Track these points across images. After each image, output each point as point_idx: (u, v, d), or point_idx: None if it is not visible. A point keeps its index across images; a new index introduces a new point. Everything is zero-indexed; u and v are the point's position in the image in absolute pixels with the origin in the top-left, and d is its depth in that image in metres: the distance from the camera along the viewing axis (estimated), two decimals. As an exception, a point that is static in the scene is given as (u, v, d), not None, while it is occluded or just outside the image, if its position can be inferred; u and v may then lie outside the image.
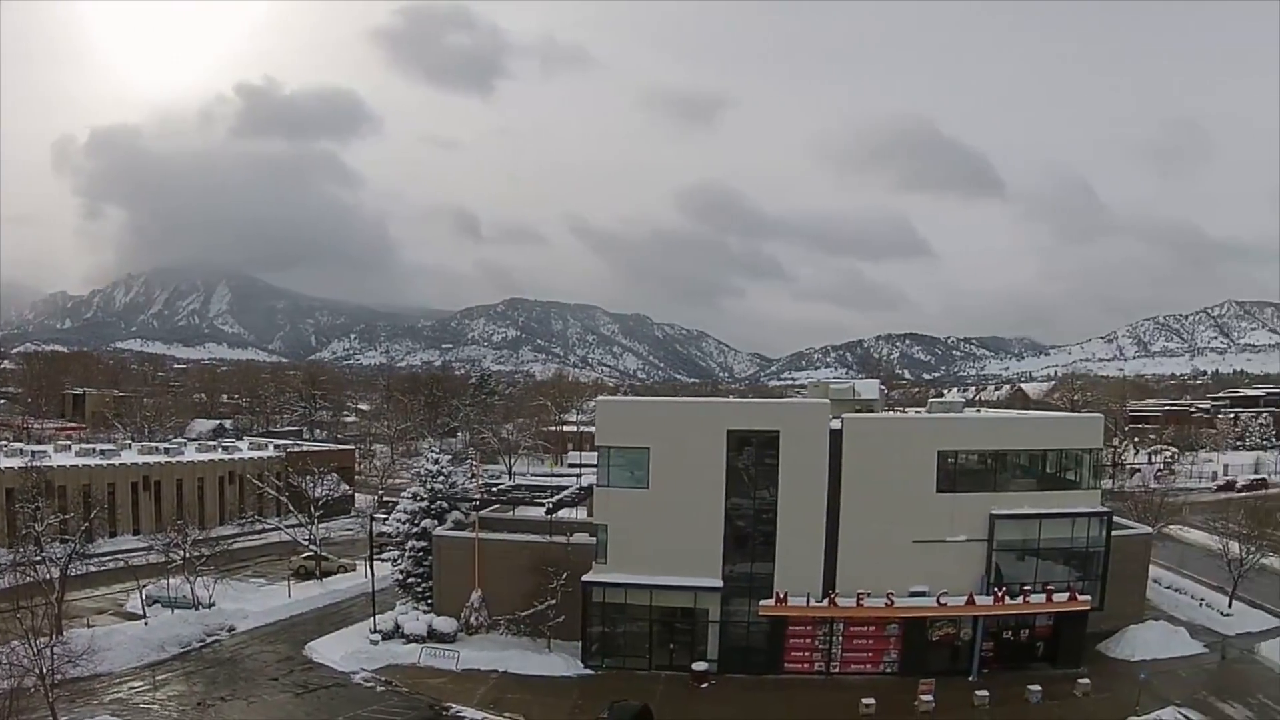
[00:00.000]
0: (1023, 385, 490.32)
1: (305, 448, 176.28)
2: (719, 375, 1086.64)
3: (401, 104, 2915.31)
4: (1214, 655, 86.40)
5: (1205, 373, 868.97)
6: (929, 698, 72.03)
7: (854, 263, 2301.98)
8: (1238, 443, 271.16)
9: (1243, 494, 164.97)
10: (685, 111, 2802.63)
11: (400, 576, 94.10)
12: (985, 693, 73.36)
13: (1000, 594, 79.40)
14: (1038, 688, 73.93)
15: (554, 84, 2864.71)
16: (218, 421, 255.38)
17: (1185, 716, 70.10)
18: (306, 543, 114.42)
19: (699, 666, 78.82)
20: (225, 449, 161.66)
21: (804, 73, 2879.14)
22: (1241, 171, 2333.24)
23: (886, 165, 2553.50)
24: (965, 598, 78.84)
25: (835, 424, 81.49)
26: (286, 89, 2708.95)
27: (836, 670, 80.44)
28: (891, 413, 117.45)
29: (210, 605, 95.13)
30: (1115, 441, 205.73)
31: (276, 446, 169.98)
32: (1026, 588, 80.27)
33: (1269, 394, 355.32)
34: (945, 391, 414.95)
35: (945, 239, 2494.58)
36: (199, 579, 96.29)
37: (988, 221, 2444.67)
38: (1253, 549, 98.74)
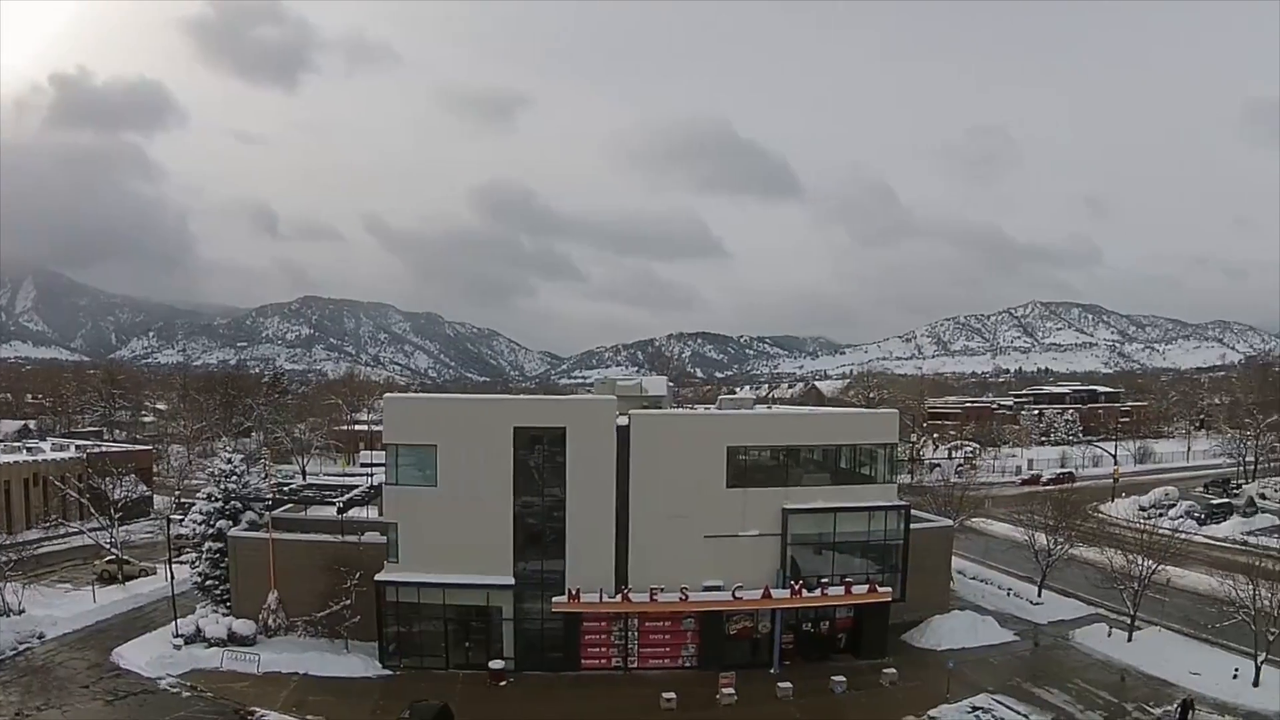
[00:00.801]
0: (817, 383, 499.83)
1: (105, 448, 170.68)
2: (510, 374, 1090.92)
3: (208, 97, 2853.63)
4: (1026, 643, 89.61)
5: (1008, 371, 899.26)
6: (730, 691, 73.26)
7: (647, 263, 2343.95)
8: (1043, 438, 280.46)
9: (1049, 488, 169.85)
10: (485, 110, 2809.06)
11: (199, 579, 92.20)
12: (788, 684, 74.82)
13: (797, 587, 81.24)
14: (842, 678, 75.94)
15: (358, 80, 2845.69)
16: (23, 422, 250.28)
17: (999, 702, 72.42)
18: (108, 546, 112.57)
19: (496, 665, 78.80)
20: (29, 450, 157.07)
21: (603, 74, 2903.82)
22: (1048, 177, 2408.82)
23: (683, 166, 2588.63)
24: (761, 591, 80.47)
25: (623, 421, 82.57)
26: (99, 79, 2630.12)
27: (635, 666, 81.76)
28: (681, 409, 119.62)
29: (20, 612, 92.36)
30: (913, 437, 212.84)
31: (78, 447, 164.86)
32: (824, 581, 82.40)
33: (1075, 391, 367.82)
34: (737, 389, 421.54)
35: (741, 240, 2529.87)
36: (7, 585, 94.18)
37: (785, 223, 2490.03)
38: (1061, 540, 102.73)
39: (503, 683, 78.04)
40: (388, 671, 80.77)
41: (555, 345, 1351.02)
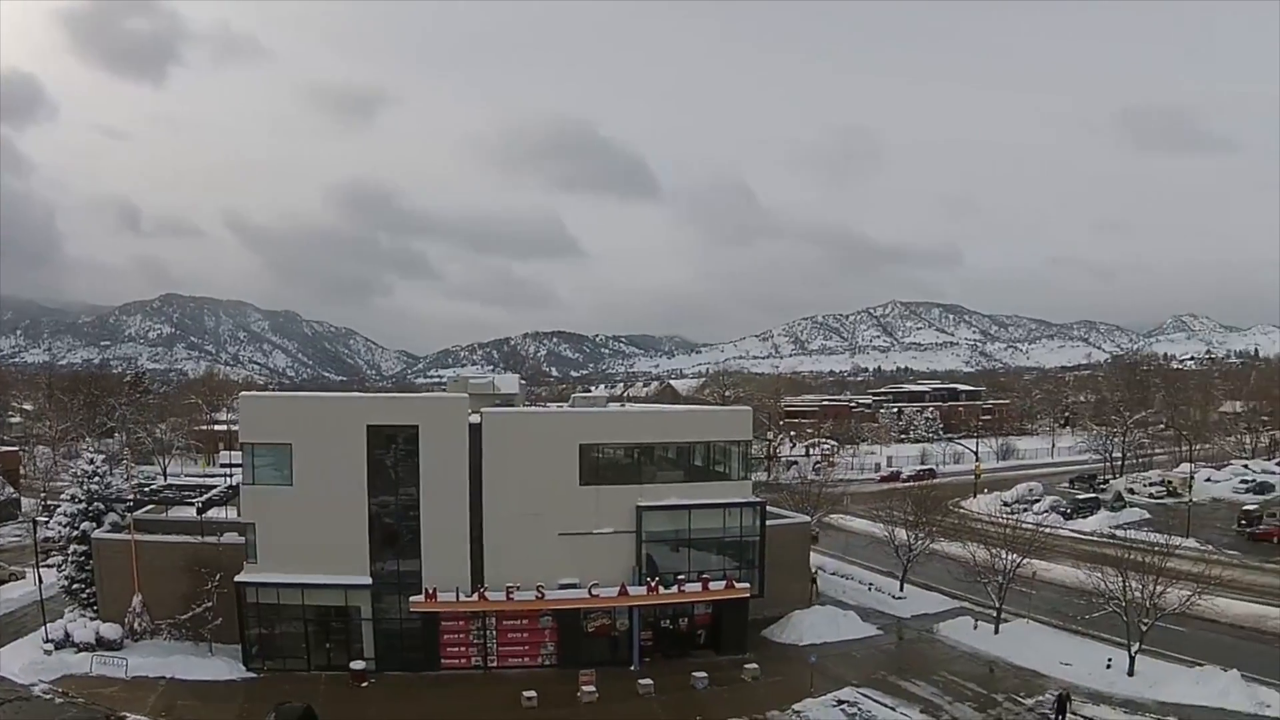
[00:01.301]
0: (672, 382, 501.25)
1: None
2: (367, 373, 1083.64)
3: (78, 90, 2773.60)
4: (890, 637, 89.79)
5: (867, 370, 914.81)
6: (591, 689, 72.60)
7: (505, 262, 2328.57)
8: (902, 436, 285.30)
9: (909, 484, 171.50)
10: (348, 107, 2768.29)
11: (65, 583, 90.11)
12: (649, 681, 74.16)
13: (654, 584, 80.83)
14: (703, 675, 75.43)
15: (224, 74, 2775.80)
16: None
17: (865, 695, 72.14)
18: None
19: (357, 665, 77.73)
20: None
21: (469, 72, 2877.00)
22: (911, 177, 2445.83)
23: (543, 165, 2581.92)
24: (617, 589, 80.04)
25: (475, 419, 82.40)
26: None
27: (494, 665, 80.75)
28: (533, 407, 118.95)
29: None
30: (770, 435, 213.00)
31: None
32: (681, 577, 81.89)
33: (934, 389, 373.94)
34: (592, 388, 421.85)
35: (599, 239, 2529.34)
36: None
37: (643, 222, 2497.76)
38: (921, 535, 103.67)
39: (364, 683, 77.21)
40: (252, 674, 79.47)
41: (412, 344, 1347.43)
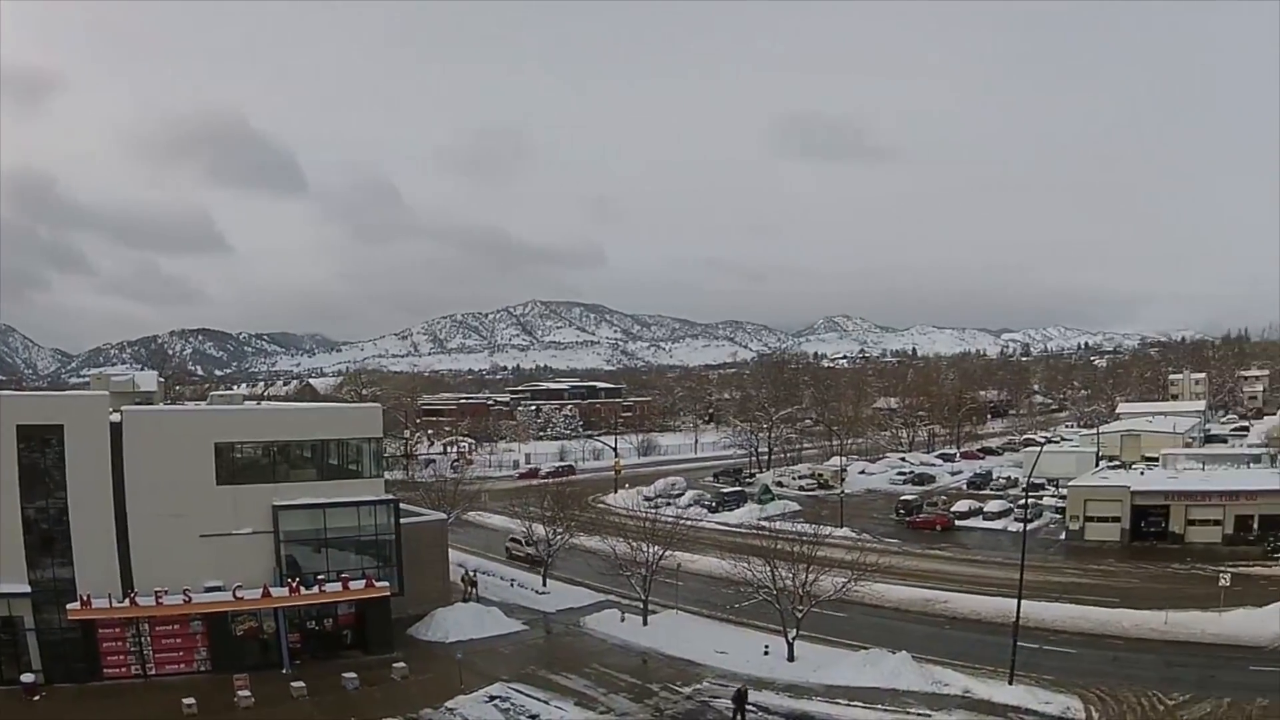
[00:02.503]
0: (313, 381, 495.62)
1: None
2: (24, 372, 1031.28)
3: None
4: (537, 631, 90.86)
5: (506, 368, 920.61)
6: (246, 693, 71.45)
7: (153, 256, 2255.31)
8: (541, 433, 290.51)
9: (548, 480, 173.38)
10: (15, 91, 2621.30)
11: None
12: (301, 684, 73.29)
13: (295, 584, 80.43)
14: (353, 675, 75.03)
15: None
16: None
17: (516, 690, 72.68)
18: None
19: (27, 678, 74.55)
20: None
21: (134, 61, 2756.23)
22: (557, 178, 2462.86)
23: (193, 158, 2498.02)
24: (261, 590, 79.18)
25: (116, 418, 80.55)
26: None
27: (154, 672, 78.29)
28: (172, 405, 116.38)
29: None
30: (408, 433, 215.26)
31: None
32: (321, 577, 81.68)
33: (573, 387, 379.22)
34: (235, 387, 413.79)
35: (248, 235, 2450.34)
36: None
37: (291, 218, 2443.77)
38: (560, 530, 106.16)
39: (36, 696, 73.89)
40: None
41: (67, 342, 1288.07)
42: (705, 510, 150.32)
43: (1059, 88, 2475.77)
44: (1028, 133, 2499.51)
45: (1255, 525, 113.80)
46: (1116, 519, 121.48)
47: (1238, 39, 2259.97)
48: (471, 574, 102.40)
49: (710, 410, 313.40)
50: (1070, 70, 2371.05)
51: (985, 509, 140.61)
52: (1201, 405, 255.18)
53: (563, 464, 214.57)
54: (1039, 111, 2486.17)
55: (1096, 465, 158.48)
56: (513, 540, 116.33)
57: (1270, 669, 72.43)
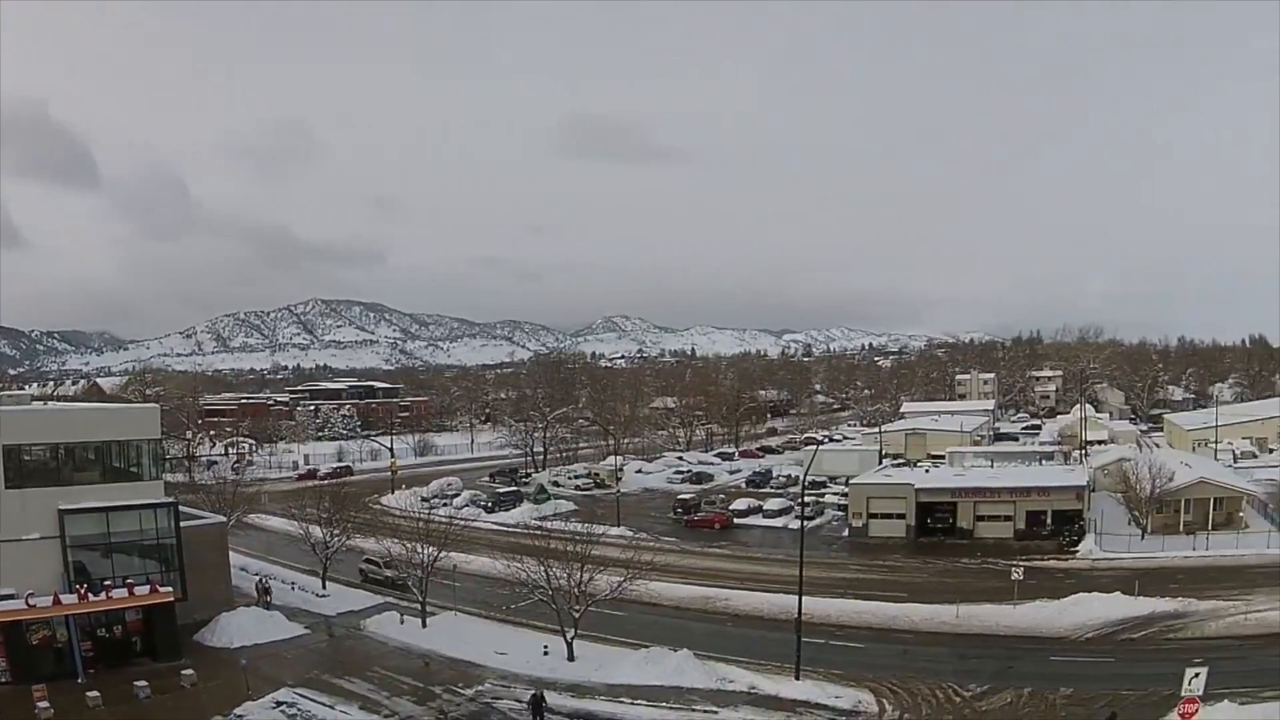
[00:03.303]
0: (100, 380, 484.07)
1: None
2: None
3: None
4: (319, 635, 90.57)
5: (287, 367, 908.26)
6: (45, 704, 69.97)
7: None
8: (320, 433, 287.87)
9: (326, 482, 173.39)
10: None
11: None
12: (96, 693, 71.92)
13: (84, 590, 78.78)
14: (144, 683, 73.66)
15: None
16: None
17: (302, 695, 72.38)
18: None
19: None
20: None
21: None
22: (338, 177, 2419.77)
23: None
24: (51, 597, 77.27)
25: None
26: None
27: None
28: None
29: None
30: (189, 434, 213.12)
31: None
32: (108, 583, 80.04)
33: (351, 387, 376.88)
34: (27, 387, 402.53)
35: (43, 229, 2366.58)
36: None
37: (84, 213, 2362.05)
38: (337, 532, 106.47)
39: None
40: None
41: None
42: (481, 510, 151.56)
43: (844, 91, 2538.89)
44: (812, 137, 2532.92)
45: (1049, 520, 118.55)
46: (901, 516, 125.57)
47: (1024, 39, 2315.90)
48: (265, 582, 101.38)
49: (487, 410, 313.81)
50: (856, 74, 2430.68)
51: (765, 507, 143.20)
52: (991, 405, 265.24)
53: (341, 465, 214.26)
54: (824, 116, 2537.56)
55: (880, 463, 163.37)
56: (368, 562, 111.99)
57: (1071, 658, 75.13)
